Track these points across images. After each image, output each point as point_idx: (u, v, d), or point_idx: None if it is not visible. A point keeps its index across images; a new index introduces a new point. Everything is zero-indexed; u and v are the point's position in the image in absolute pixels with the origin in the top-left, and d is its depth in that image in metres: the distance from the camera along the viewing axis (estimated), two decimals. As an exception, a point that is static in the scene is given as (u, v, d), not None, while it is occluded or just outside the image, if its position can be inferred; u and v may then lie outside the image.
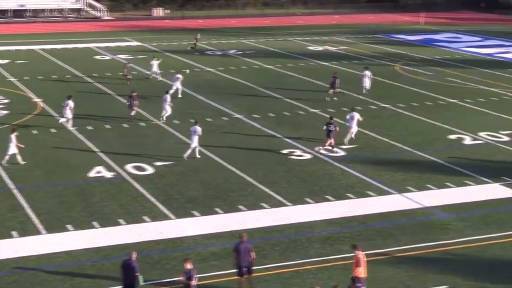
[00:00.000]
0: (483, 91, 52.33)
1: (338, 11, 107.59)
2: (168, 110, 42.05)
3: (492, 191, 32.08)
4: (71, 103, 40.53)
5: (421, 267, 24.53)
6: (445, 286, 22.42)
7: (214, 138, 38.28)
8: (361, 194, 31.37)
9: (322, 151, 36.83)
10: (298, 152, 37.02)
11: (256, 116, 44.02)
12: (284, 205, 30.01)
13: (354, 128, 38.31)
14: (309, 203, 30.28)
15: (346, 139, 38.01)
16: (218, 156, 35.93)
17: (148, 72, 55.30)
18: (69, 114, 40.42)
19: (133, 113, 42.22)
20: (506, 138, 40.13)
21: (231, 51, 68.67)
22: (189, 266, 21.22)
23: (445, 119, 43.83)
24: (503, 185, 32.76)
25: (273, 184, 32.28)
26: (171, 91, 45.99)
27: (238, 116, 44.11)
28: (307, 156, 36.34)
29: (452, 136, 40.41)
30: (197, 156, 35.43)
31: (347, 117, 38.93)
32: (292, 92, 50.58)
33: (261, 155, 36.43)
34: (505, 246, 26.36)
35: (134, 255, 21.68)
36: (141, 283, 21.44)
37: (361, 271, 21.97)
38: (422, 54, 68.64)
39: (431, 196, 31.24)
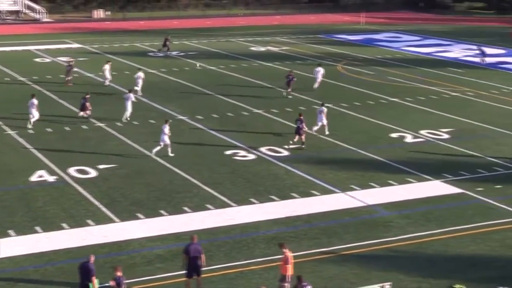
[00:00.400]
0: (424, 89, 53.13)
1: (280, 11, 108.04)
2: (129, 109, 42.31)
3: (433, 188, 32.61)
4: (35, 101, 40.96)
5: (365, 265, 24.82)
6: (389, 283, 22.68)
7: (158, 140, 37.99)
8: (305, 193, 31.57)
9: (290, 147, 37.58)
10: (242, 152, 37.08)
11: (199, 117, 43.93)
12: (229, 206, 30.03)
13: (324, 121, 39.86)
14: (254, 203, 30.35)
15: (314, 129, 39.64)
16: (162, 158, 35.76)
17: (89, 75, 54.67)
18: (35, 113, 40.63)
19: (88, 113, 42.39)
20: (446, 136, 40.85)
21: (174, 53, 68.36)
22: (119, 273, 21.32)
23: (387, 118, 44.40)
24: (444, 182, 33.35)
25: (217, 185, 32.27)
26: (137, 88, 47.87)
27: (182, 117, 43.96)
28: (251, 157, 36.42)
29: (394, 135, 40.97)
30: (170, 154, 35.93)
31: (317, 111, 40.39)
32: (236, 92, 50.63)
33: (205, 156, 36.39)
34: (446, 242, 26.84)
35: (92, 258, 21.74)
36: (97, 286, 21.37)
37: (290, 269, 22.19)
38: (363, 54, 69.37)
39: (374, 194, 31.62)
